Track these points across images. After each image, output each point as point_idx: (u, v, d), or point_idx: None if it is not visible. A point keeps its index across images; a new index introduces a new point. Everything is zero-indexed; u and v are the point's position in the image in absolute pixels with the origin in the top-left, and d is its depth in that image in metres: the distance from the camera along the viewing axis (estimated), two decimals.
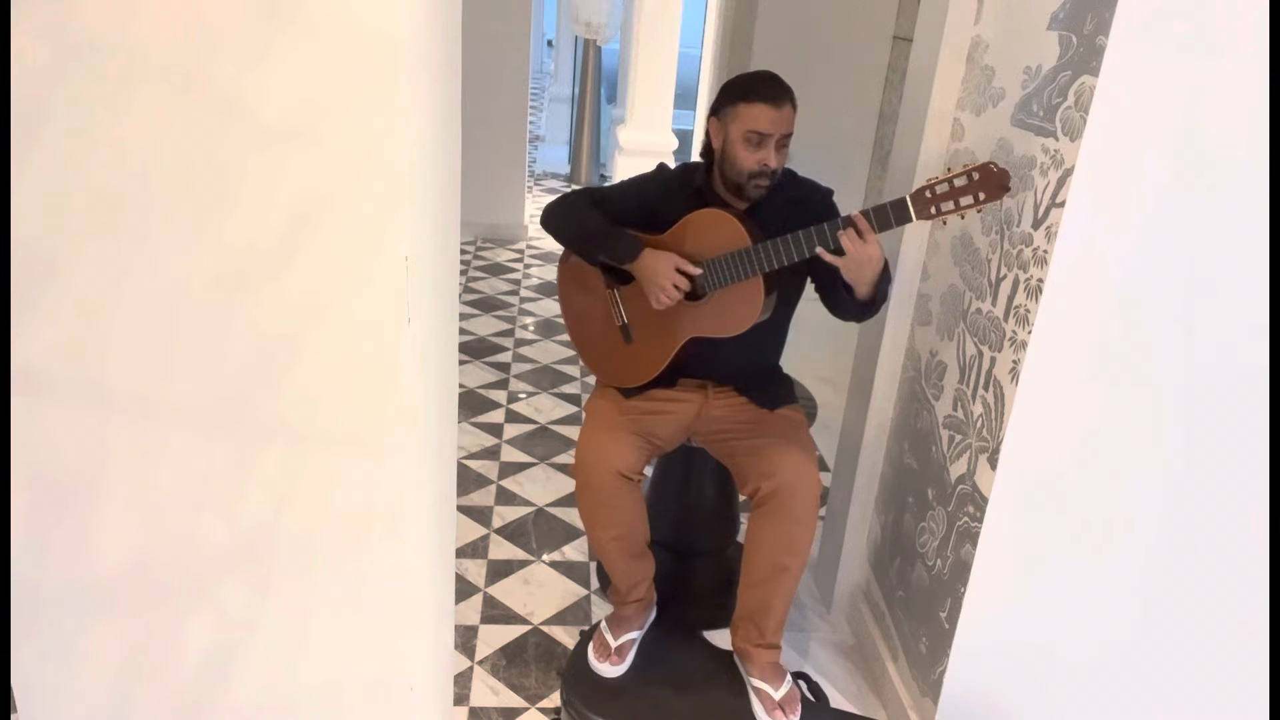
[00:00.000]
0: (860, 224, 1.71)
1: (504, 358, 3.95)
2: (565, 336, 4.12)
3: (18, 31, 1.08)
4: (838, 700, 2.11)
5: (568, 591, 2.47)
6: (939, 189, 1.66)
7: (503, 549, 2.63)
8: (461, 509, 2.75)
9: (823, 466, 2.93)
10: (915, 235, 2.08)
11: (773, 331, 2.05)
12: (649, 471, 2.14)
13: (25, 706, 1.44)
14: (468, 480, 2.95)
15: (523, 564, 2.57)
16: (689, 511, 2.36)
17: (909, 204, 1.69)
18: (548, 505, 2.86)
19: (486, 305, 4.55)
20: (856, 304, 1.84)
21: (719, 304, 1.90)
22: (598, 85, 7.26)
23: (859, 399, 2.32)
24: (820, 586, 2.53)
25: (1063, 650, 1.81)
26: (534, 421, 3.40)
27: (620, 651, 2.05)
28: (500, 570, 2.53)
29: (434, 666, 1.58)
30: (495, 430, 3.31)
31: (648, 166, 2.10)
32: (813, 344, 2.89)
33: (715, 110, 1.89)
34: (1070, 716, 1.86)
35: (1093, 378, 1.59)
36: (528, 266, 5.22)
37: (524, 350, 4.05)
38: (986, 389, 1.72)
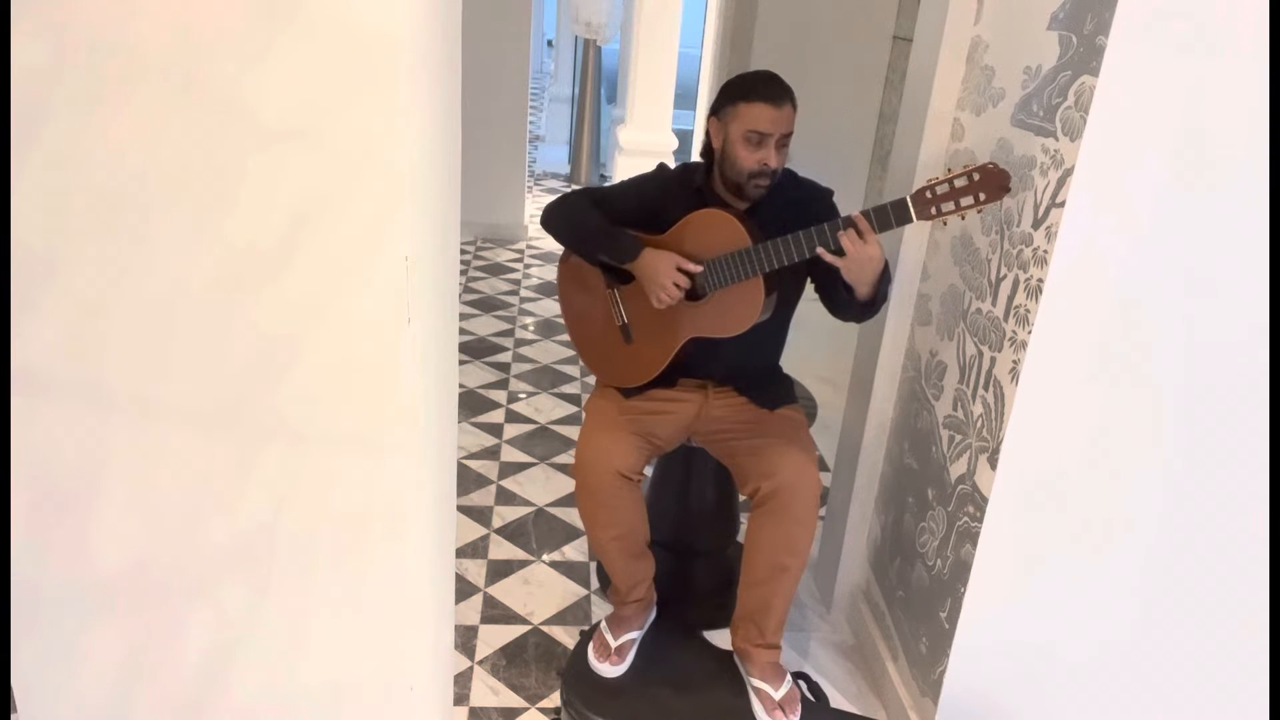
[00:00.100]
0: (860, 224, 1.71)
1: (504, 358, 3.95)
2: (565, 336, 4.12)
3: (18, 31, 1.08)
4: (838, 700, 2.11)
5: (568, 591, 2.47)
6: (939, 189, 1.66)
7: (503, 549, 2.63)
8: (461, 509, 2.75)
9: (823, 466, 2.93)
10: (915, 235, 2.08)
11: (773, 331, 2.05)
12: (649, 471, 2.14)
13: (25, 706, 1.44)
14: (468, 480, 2.95)
15: (523, 564, 2.57)
16: (689, 511, 2.36)
17: (909, 204, 1.69)
18: (548, 505, 2.86)
19: (486, 305, 4.55)
20: (857, 304, 1.84)
21: (719, 304, 1.90)
22: (598, 85, 7.26)
23: (859, 399, 2.32)
24: (820, 586, 2.53)
25: (1063, 650, 1.81)
26: (534, 421, 3.40)
27: (620, 651, 2.05)
28: (500, 570, 2.53)
29: (434, 666, 1.58)
30: (495, 430, 3.31)
31: (648, 166, 2.10)
32: (813, 344, 2.89)
33: (715, 110, 1.89)
34: (1070, 716, 1.86)
35: (1093, 378, 1.59)
36: (528, 266, 5.23)
37: (524, 350, 4.05)
38: (986, 389, 1.72)
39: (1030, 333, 1.56)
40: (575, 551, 2.64)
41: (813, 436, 2.06)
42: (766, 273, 1.83)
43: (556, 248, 5.30)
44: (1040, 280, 1.54)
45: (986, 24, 1.85)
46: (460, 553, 2.57)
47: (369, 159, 1.17)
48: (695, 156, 3.44)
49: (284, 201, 1.18)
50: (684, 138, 6.68)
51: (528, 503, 2.87)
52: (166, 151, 1.14)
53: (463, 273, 5.00)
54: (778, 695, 1.92)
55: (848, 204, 1.90)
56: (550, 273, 5.10)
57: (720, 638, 2.15)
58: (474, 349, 4.00)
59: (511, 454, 3.16)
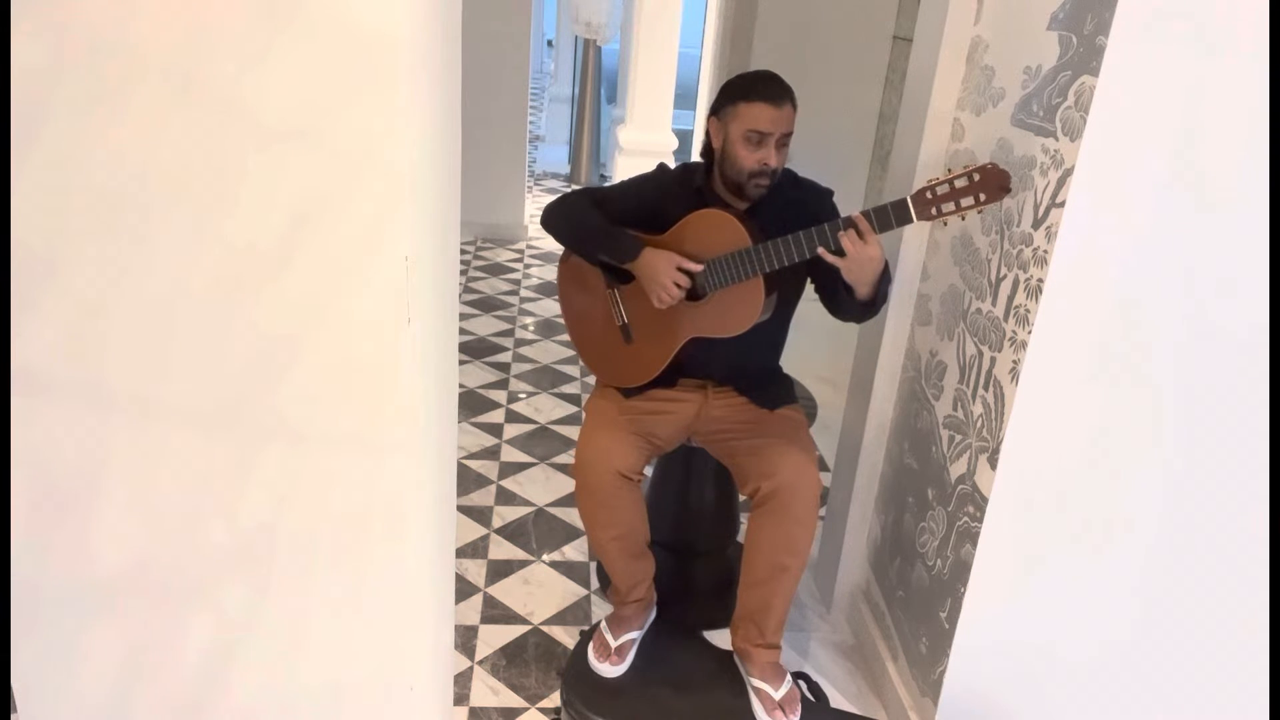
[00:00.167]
0: (861, 224, 1.71)
1: (504, 358, 3.95)
2: (565, 336, 4.12)
3: (18, 31, 1.08)
4: (838, 700, 2.11)
5: (568, 591, 2.47)
6: (940, 190, 1.66)
7: (503, 549, 2.63)
8: (461, 509, 2.75)
9: (823, 466, 2.93)
10: (915, 235, 2.08)
11: (773, 332, 2.05)
12: (649, 471, 2.14)
13: (25, 706, 1.44)
14: (468, 480, 2.95)
15: (523, 564, 2.57)
16: (689, 511, 2.36)
17: (909, 205, 1.69)
18: (548, 505, 2.86)
19: (486, 305, 4.55)
20: (857, 305, 1.84)
21: (719, 304, 1.90)
22: (598, 85, 7.26)
23: (859, 399, 2.32)
24: (820, 586, 2.53)
25: (1063, 650, 1.81)
26: (534, 421, 3.40)
27: (620, 651, 2.05)
28: (500, 570, 2.53)
29: (434, 666, 1.58)
30: (495, 430, 3.31)
31: (648, 166, 2.10)
32: (813, 344, 2.89)
33: (715, 110, 1.89)
34: (1070, 716, 1.86)
35: (1093, 378, 1.59)
36: (528, 266, 5.23)
37: (524, 350, 4.05)
38: (986, 389, 1.72)
39: (1030, 333, 1.56)
40: (575, 551, 2.64)
41: (813, 436, 2.06)
42: (767, 273, 1.83)
43: (556, 248, 5.30)
44: (1040, 280, 1.54)
45: (986, 24, 1.85)
46: (460, 553, 2.57)
47: (369, 159, 1.17)
48: (695, 156, 3.44)
49: (284, 201, 1.18)
50: (684, 138, 6.68)
51: (528, 503, 2.87)
52: (166, 151, 1.14)
53: (463, 273, 5.00)
54: (778, 695, 1.92)
55: (848, 204, 1.90)
56: (550, 273, 5.10)
57: (720, 638, 2.15)
58: (474, 349, 4.00)
59: (511, 454, 3.16)
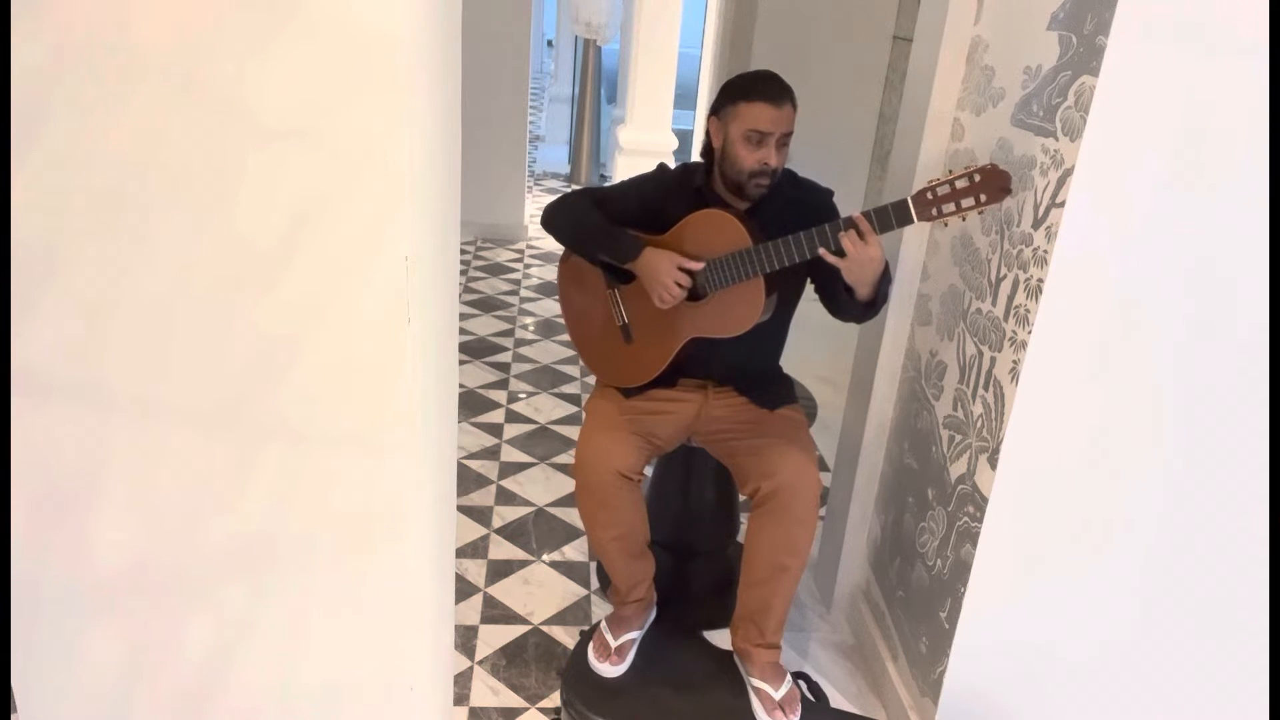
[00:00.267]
0: (861, 225, 1.71)
1: (504, 358, 3.95)
2: (565, 336, 4.12)
3: (18, 31, 1.08)
4: (838, 700, 2.11)
5: (568, 591, 2.47)
6: (940, 190, 1.66)
7: (503, 549, 2.63)
8: (461, 509, 2.75)
9: (823, 466, 2.93)
10: (915, 235, 2.08)
11: (773, 332, 2.05)
12: (649, 471, 2.14)
13: (25, 706, 1.44)
14: (468, 480, 2.95)
15: (523, 564, 2.57)
16: (689, 511, 2.36)
17: (910, 205, 1.69)
18: (548, 505, 2.86)
19: (486, 305, 4.55)
20: (857, 305, 1.84)
21: (720, 304, 1.90)
22: (598, 85, 7.26)
23: (859, 399, 2.32)
24: (820, 586, 2.53)
25: (1063, 650, 1.81)
26: (534, 421, 3.40)
27: (620, 651, 2.05)
28: (500, 570, 2.53)
29: (434, 666, 1.58)
30: (495, 430, 3.31)
31: (648, 166, 2.10)
32: (813, 344, 2.89)
33: (715, 110, 1.89)
34: (1070, 716, 1.86)
35: (1093, 378, 1.59)
36: (528, 266, 5.23)
37: (524, 350, 4.05)
38: (986, 389, 1.72)
39: (1030, 333, 1.56)
40: (575, 551, 2.64)
41: (813, 436, 2.06)
42: (767, 273, 1.83)
43: (556, 248, 5.30)
44: (1040, 280, 1.54)
45: (986, 24, 1.85)
46: (460, 553, 2.57)
47: (369, 159, 1.17)
48: (695, 156, 3.43)
49: (284, 201, 1.18)
50: (684, 138, 6.68)
51: (528, 503, 2.87)
52: (166, 151, 1.14)
53: (463, 273, 5.00)
54: (778, 695, 1.92)
55: (848, 204, 1.90)
56: (550, 273, 5.10)
57: (720, 638, 2.15)
58: (474, 349, 4.00)
59: (511, 454, 3.16)
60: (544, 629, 2.32)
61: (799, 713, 1.93)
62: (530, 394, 3.63)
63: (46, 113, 1.12)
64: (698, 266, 1.86)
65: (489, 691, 2.10)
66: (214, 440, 1.29)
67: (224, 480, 1.32)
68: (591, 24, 6.67)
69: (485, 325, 4.29)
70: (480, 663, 2.19)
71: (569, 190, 2.91)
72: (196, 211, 1.18)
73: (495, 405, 3.51)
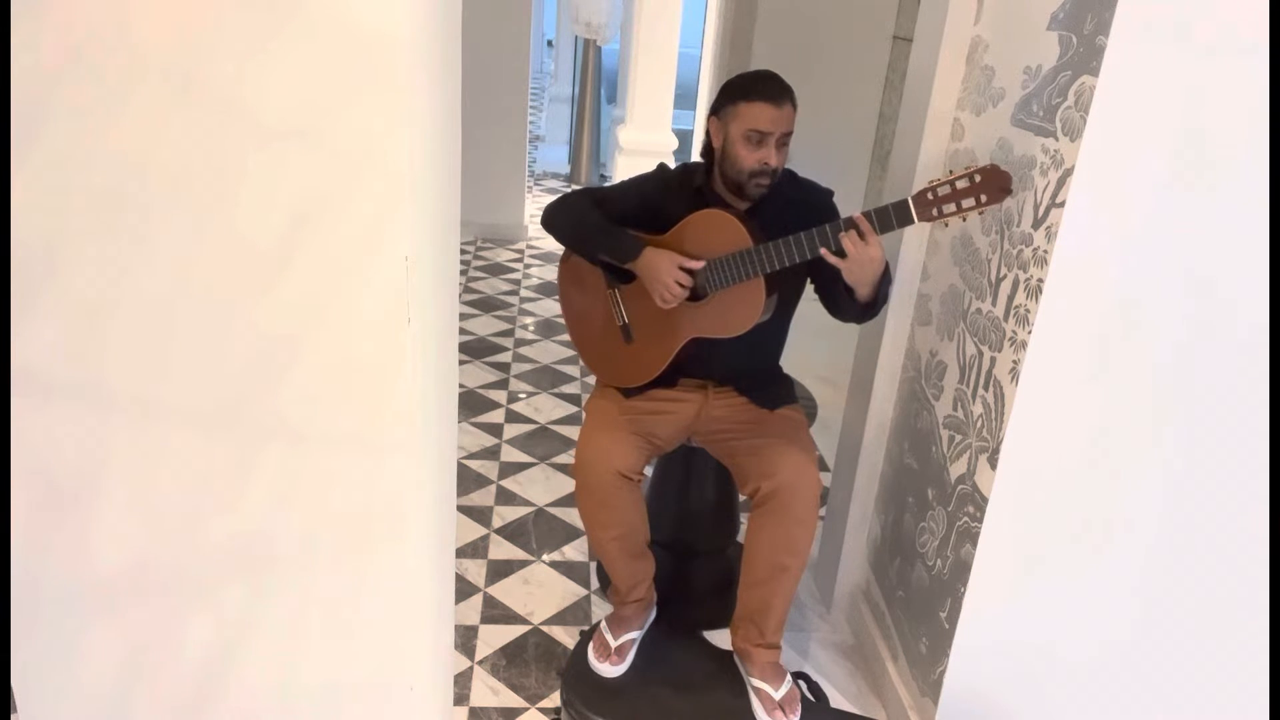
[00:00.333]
0: (862, 225, 1.71)
1: (504, 358, 3.95)
2: (565, 336, 4.12)
3: (18, 31, 1.08)
4: (838, 700, 2.11)
5: (568, 591, 2.47)
6: (941, 190, 1.66)
7: (503, 549, 2.63)
8: (461, 509, 2.75)
9: (823, 466, 2.93)
10: (915, 235, 2.08)
11: (773, 332, 2.05)
12: (649, 471, 2.14)
13: (25, 706, 1.44)
14: (468, 480, 2.95)
15: (523, 564, 2.57)
16: (689, 511, 2.36)
17: (910, 206, 1.69)
18: (548, 505, 2.86)
19: (486, 305, 4.55)
20: (857, 306, 1.84)
21: (720, 304, 1.90)
22: (598, 85, 7.26)
23: (859, 399, 2.32)
24: (820, 586, 2.53)
25: (1063, 650, 1.81)
26: (534, 421, 3.40)
27: (620, 651, 2.05)
28: (500, 570, 2.53)
29: (434, 666, 1.58)
30: (495, 430, 3.31)
31: (648, 166, 2.10)
32: (813, 344, 2.89)
33: (715, 110, 1.89)
34: (1070, 716, 1.86)
35: (1093, 378, 1.59)
36: (528, 266, 5.23)
37: (524, 350, 4.05)
38: (986, 389, 1.72)
39: (1030, 333, 1.56)
40: (575, 551, 2.64)
41: (813, 436, 2.06)
42: (768, 273, 1.83)
43: (556, 248, 5.30)
44: (1040, 280, 1.54)
45: (986, 24, 1.85)
46: (460, 553, 2.57)
47: (369, 159, 1.17)
48: (695, 156, 3.43)
49: (284, 201, 1.18)
50: (684, 138, 6.68)
51: (528, 503, 2.87)
52: (166, 151, 1.14)
53: (463, 273, 5.00)
54: (778, 695, 1.92)
55: (848, 204, 1.90)
56: (550, 273, 5.10)
57: (720, 638, 2.15)
58: (474, 349, 4.00)
59: (511, 454, 3.16)
60: (544, 629, 2.32)
61: (799, 713, 1.93)
62: (530, 394, 3.63)
63: (46, 113, 1.12)
64: (698, 265, 1.86)
65: (489, 691, 2.10)
66: (214, 440, 1.29)
67: (224, 480, 1.32)
68: (591, 24, 6.67)
69: (485, 325, 4.29)
70: (480, 663, 2.19)
71: (569, 190, 2.91)
72: (196, 211, 1.18)
73: (495, 405, 3.51)
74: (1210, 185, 1.45)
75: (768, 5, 3.98)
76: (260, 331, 1.24)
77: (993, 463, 1.67)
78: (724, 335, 1.92)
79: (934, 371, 1.98)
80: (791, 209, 1.92)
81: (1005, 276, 1.67)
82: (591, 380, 3.65)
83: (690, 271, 1.87)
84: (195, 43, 1.10)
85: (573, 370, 3.87)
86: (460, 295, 4.34)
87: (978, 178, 1.63)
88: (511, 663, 2.19)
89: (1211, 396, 1.58)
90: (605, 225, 1.95)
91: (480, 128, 5.08)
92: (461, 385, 3.54)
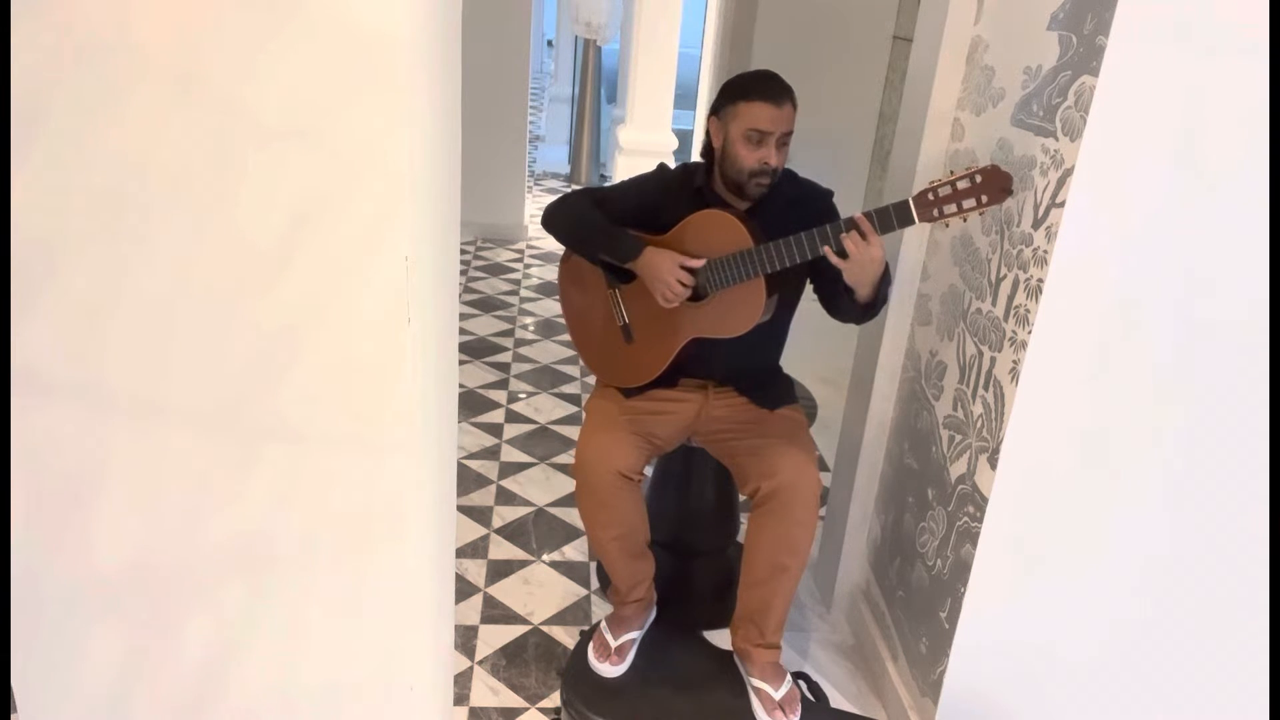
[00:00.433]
0: (863, 225, 1.70)
1: (504, 358, 3.95)
2: (565, 336, 4.12)
3: (18, 31, 1.08)
4: (838, 700, 2.11)
5: (568, 591, 2.47)
6: (941, 191, 1.66)
7: (503, 549, 2.63)
8: (461, 509, 2.75)
9: (823, 466, 2.93)
10: (915, 235, 2.08)
11: (773, 332, 2.05)
12: (649, 471, 2.14)
13: (25, 706, 1.44)
14: (468, 480, 2.95)
15: (523, 564, 2.57)
16: (689, 511, 2.36)
17: (911, 206, 1.69)
18: (548, 505, 2.86)
19: (486, 305, 4.55)
20: (857, 306, 1.84)
21: (720, 305, 1.90)
22: (598, 85, 7.26)
23: (859, 399, 2.32)
24: (820, 586, 2.53)
25: (1063, 650, 1.81)
26: (534, 421, 3.40)
27: (620, 651, 2.05)
28: (500, 570, 2.53)
29: (434, 666, 1.58)
30: (495, 430, 3.31)
31: (648, 166, 2.10)
32: (813, 344, 2.89)
33: (715, 109, 1.89)
34: (1070, 716, 1.86)
35: (1093, 378, 1.59)
36: (528, 266, 5.23)
37: (524, 350, 4.05)
38: (986, 389, 1.72)
39: (1030, 333, 1.56)
40: (575, 551, 2.64)
41: (813, 436, 2.06)
42: (768, 274, 1.83)
43: (556, 248, 5.30)
44: (1040, 280, 1.54)
45: (986, 24, 1.85)
46: (460, 553, 2.57)
47: (369, 159, 1.17)
48: (695, 156, 3.43)
49: (284, 201, 1.18)
50: (684, 138, 6.68)
51: (528, 503, 2.87)
52: (166, 151, 1.14)
53: (463, 273, 5.00)
54: (778, 695, 1.92)
55: (848, 204, 1.90)
56: (550, 273, 5.10)
57: (720, 638, 2.15)
58: (474, 349, 4.00)
59: (511, 454, 3.16)
60: (544, 629, 2.32)
61: (799, 713, 1.93)
62: (530, 394, 3.63)
63: (46, 113, 1.12)
64: (699, 264, 1.86)
65: (489, 691, 2.10)
66: (214, 440, 1.29)
67: (224, 480, 1.32)
68: (591, 24, 6.67)
69: (485, 325, 4.29)
70: (480, 663, 2.19)
71: (569, 190, 2.91)
72: (196, 211, 1.18)
73: (495, 405, 3.51)
74: (1210, 185, 1.45)
75: (768, 5, 3.98)
76: (260, 331, 1.24)
77: (993, 463, 1.67)
78: (724, 335, 1.92)
79: (934, 371, 1.98)
80: (791, 209, 1.92)
81: (1005, 276, 1.67)
82: (591, 380, 3.65)
83: (691, 271, 1.87)
84: (195, 43, 1.10)
85: (573, 370, 3.87)
86: (460, 295, 4.34)
87: (978, 178, 1.63)
88: (511, 663, 2.19)
89: (1211, 396, 1.58)
90: (605, 225, 1.95)
91: (480, 128, 5.08)
92: (461, 385, 3.54)
